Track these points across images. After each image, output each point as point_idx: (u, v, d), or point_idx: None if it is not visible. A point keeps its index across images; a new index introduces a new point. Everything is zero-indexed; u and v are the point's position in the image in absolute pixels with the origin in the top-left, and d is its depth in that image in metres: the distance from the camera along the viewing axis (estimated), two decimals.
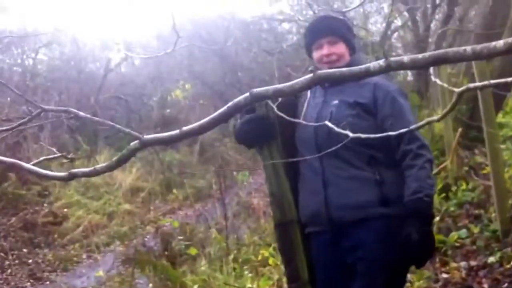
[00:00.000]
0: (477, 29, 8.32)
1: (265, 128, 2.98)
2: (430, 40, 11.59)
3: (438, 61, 1.33)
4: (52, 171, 2.34)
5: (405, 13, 11.79)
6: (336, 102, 2.97)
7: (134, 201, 12.55)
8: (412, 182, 2.77)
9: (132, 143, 1.76)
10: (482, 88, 1.44)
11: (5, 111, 12.17)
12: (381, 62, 1.35)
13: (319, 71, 1.47)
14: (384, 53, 1.42)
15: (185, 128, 1.71)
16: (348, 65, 2.75)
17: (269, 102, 2.60)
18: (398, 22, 13.48)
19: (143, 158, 14.72)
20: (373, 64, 1.37)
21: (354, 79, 1.60)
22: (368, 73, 1.40)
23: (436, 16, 12.48)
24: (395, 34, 14.64)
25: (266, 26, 14.17)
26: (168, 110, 17.38)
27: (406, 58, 1.33)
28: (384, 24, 13.18)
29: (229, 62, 12.72)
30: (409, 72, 12.24)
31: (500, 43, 1.25)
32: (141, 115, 17.48)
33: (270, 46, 12.92)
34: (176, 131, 1.72)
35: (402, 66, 1.36)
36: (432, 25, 12.24)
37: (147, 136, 1.74)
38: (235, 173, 12.21)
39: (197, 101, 16.65)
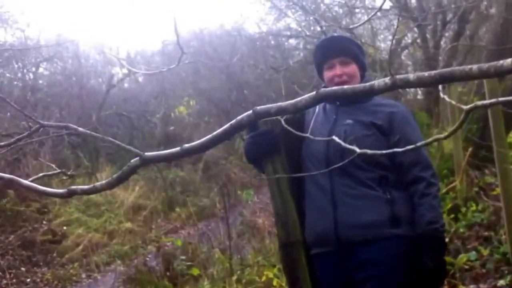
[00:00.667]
0: (488, 45, 8.18)
1: (269, 143, 2.88)
2: (440, 58, 11.42)
3: (444, 80, 1.30)
4: (52, 188, 2.38)
5: (415, 30, 11.63)
6: (349, 121, 2.96)
7: (136, 220, 12.40)
8: (427, 211, 2.81)
9: (132, 160, 1.72)
10: (490, 105, 1.43)
11: (4, 126, 11.99)
12: (387, 80, 1.31)
13: (322, 89, 1.44)
14: (390, 71, 1.39)
15: (186, 146, 1.68)
16: None
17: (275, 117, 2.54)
18: (408, 39, 13.32)
19: (145, 176, 14.61)
20: (378, 82, 1.33)
21: (358, 97, 1.55)
22: (373, 91, 1.37)
23: (446, 34, 12.34)
24: (405, 52, 14.51)
25: (273, 43, 14.02)
26: (171, 128, 17.27)
27: (412, 76, 1.30)
28: (393, 41, 13.05)
29: (234, 79, 12.55)
30: (419, 90, 12.08)
31: (508, 61, 1.23)
32: (144, 132, 17.36)
33: (277, 62, 12.77)
34: (177, 148, 1.70)
35: (407, 84, 1.32)
36: (442, 42, 12.09)
37: (147, 153, 1.70)
38: (239, 191, 12.04)
39: (202, 119, 16.53)
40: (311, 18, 12.51)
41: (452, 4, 11.06)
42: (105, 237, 11.32)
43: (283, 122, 2.10)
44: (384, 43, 14.00)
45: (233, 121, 1.59)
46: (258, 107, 1.54)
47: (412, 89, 9.95)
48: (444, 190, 6.69)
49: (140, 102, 17.68)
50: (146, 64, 19.17)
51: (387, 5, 13.55)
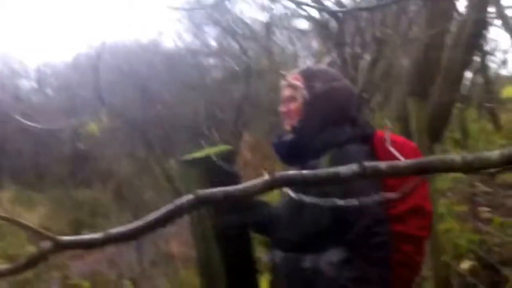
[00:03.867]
0: (410, 75, 8.17)
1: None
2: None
3: (422, 170, 1.21)
4: None
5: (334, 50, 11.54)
6: None
7: (40, 243, 11.61)
8: None
9: (45, 244, 1.29)
10: None
11: None
12: (354, 167, 1.23)
13: (277, 174, 1.27)
14: (359, 160, 1.29)
15: (112, 231, 1.29)
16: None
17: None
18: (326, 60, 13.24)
19: (51, 195, 13.97)
20: (344, 169, 1.24)
21: (320, 184, 1.42)
22: (338, 179, 1.28)
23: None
24: None
25: (191, 61, 13.63)
26: (81, 145, 16.58)
27: (383, 164, 1.21)
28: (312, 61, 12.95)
29: (150, 97, 12.08)
30: None
31: (495, 154, 1.14)
32: (52, 149, 16.54)
33: (194, 81, 12.39)
34: (99, 235, 1.28)
35: (378, 172, 1.23)
36: (360, 64, 12.07)
37: (64, 237, 1.28)
38: None
39: (114, 137, 15.95)
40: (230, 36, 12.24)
41: (370, 28, 11.03)
42: (5, 263, 10.57)
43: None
44: (303, 63, 13.90)
45: (171, 205, 1.29)
46: (202, 191, 1.28)
47: None
48: None
49: (48, 117, 16.89)
50: (56, 77, 18.42)
51: (307, 25, 13.52)
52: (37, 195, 14.66)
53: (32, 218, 12.30)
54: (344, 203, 1.46)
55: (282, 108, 2.58)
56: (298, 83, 2.54)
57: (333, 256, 2.31)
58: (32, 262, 1.43)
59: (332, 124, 2.45)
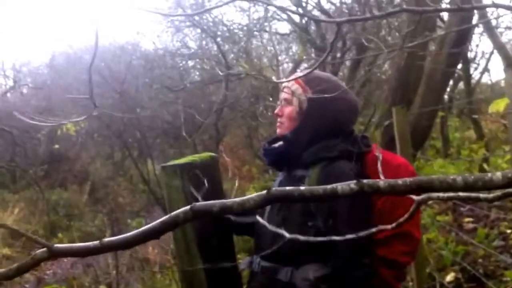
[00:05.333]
0: (392, 83, 8.14)
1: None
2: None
3: (422, 189, 1.18)
4: None
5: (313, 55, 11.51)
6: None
7: (14, 245, 11.54)
8: None
9: (38, 251, 1.40)
10: (448, 199, 1.19)
11: None
12: (352, 184, 1.20)
13: (274, 189, 1.25)
14: (356, 177, 1.32)
15: (105, 240, 1.36)
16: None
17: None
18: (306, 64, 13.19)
19: (26, 196, 13.73)
20: (342, 186, 1.22)
21: (317, 201, 1.49)
22: (335, 195, 1.24)
23: (347, 63, 12.34)
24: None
25: (170, 62, 13.49)
26: (57, 146, 16.36)
27: (382, 182, 1.19)
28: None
29: (128, 98, 11.91)
30: None
31: (497, 175, 1.11)
32: (27, 150, 16.30)
33: (173, 83, 12.25)
34: (96, 242, 1.37)
35: (377, 190, 1.21)
36: (340, 70, 12.08)
37: (57, 245, 1.39)
38: (129, 220, 11.44)
39: (91, 137, 15.77)
40: (209, 38, 12.12)
41: (350, 33, 11.03)
42: None
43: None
44: (281, 66, 13.84)
45: (166, 217, 1.31)
46: (198, 204, 1.29)
47: None
48: None
49: (25, 116, 16.61)
50: (32, 76, 18.17)
51: (287, 29, 13.50)
52: (11, 195, 14.44)
53: (6, 219, 12.05)
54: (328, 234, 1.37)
55: (277, 110, 2.51)
56: (298, 87, 2.45)
57: (309, 272, 2.25)
58: (25, 268, 1.48)
59: (325, 136, 2.38)
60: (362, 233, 1.25)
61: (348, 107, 2.45)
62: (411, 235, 2.29)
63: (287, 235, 1.28)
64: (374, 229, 1.24)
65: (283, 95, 2.50)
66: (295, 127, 2.44)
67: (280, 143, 2.49)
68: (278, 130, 2.52)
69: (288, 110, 2.47)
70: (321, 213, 2.25)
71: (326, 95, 2.29)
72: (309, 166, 2.34)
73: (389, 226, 1.24)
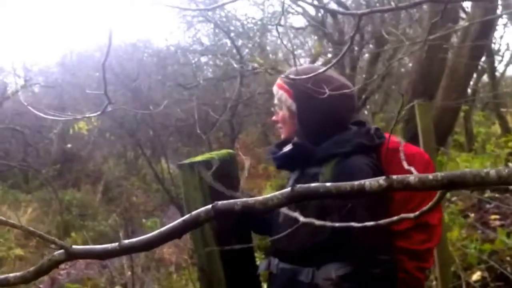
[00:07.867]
0: (414, 77, 7.96)
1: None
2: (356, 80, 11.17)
3: (454, 185, 1.15)
4: None
5: (331, 49, 11.35)
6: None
7: (28, 246, 11.55)
8: None
9: (56, 253, 1.41)
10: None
11: None
12: (381, 180, 1.18)
13: (298, 186, 1.24)
14: (385, 172, 1.33)
15: (125, 242, 1.34)
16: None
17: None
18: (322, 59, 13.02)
19: (39, 196, 13.69)
20: (370, 182, 1.20)
21: (343, 197, 1.43)
22: (363, 192, 1.22)
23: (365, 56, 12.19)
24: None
25: (183, 59, 13.35)
26: (69, 145, 16.31)
27: (412, 178, 1.17)
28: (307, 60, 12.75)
29: (141, 96, 11.82)
30: None
31: None
32: (39, 149, 16.26)
33: (187, 80, 12.12)
34: (114, 244, 1.36)
35: (407, 186, 1.19)
36: (359, 64, 11.88)
37: (75, 247, 1.40)
38: (143, 219, 11.37)
39: (103, 136, 15.68)
40: (223, 33, 11.97)
41: (369, 26, 10.84)
42: None
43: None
44: (298, 61, 13.66)
45: (187, 216, 1.31)
46: (219, 202, 1.28)
47: None
48: None
49: (36, 116, 16.52)
50: (44, 75, 18.12)
51: (303, 23, 13.30)
52: (24, 196, 14.42)
53: (19, 219, 11.94)
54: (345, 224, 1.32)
55: (274, 117, 2.53)
56: (282, 92, 2.42)
57: (331, 271, 2.22)
58: (43, 270, 1.50)
59: (332, 131, 2.33)
60: (383, 221, 1.25)
61: (339, 95, 2.28)
62: (428, 223, 2.29)
63: (301, 218, 1.26)
64: (395, 218, 1.25)
65: (274, 100, 2.49)
66: (294, 130, 2.42)
67: (289, 146, 2.45)
68: (281, 135, 2.54)
69: (281, 115, 2.47)
70: (337, 210, 2.19)
71: (308, 92, 2.18)
72: (322, 163, 2.30)
73: (411, 215, 1.25)
